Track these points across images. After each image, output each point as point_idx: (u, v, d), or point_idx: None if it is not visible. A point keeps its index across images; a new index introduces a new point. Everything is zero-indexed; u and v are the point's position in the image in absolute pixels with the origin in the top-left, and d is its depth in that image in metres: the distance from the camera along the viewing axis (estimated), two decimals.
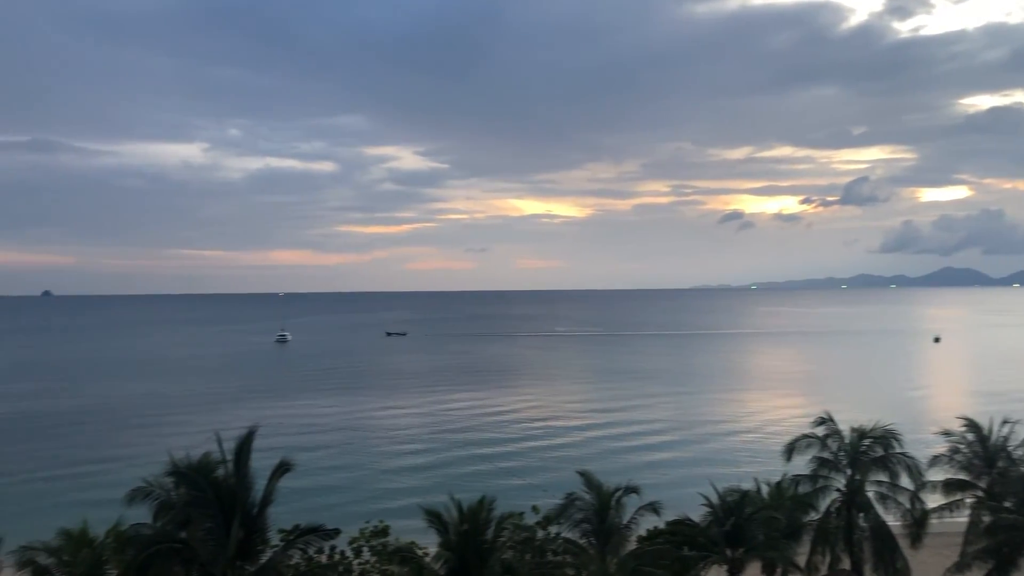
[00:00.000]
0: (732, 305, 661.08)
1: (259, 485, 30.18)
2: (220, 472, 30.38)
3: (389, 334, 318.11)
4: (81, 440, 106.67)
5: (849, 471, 45.00)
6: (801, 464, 46.65)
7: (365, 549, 42.98)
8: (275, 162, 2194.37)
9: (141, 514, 32.58)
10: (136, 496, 32.10)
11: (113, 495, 35.77)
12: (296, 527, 35.93)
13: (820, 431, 46.75)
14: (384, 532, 44.13)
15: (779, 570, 41.64)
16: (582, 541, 39.96)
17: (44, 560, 29.97)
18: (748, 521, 36.78)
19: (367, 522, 45.03)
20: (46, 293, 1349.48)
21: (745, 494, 38.98)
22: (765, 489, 44.56)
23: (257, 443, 30.91)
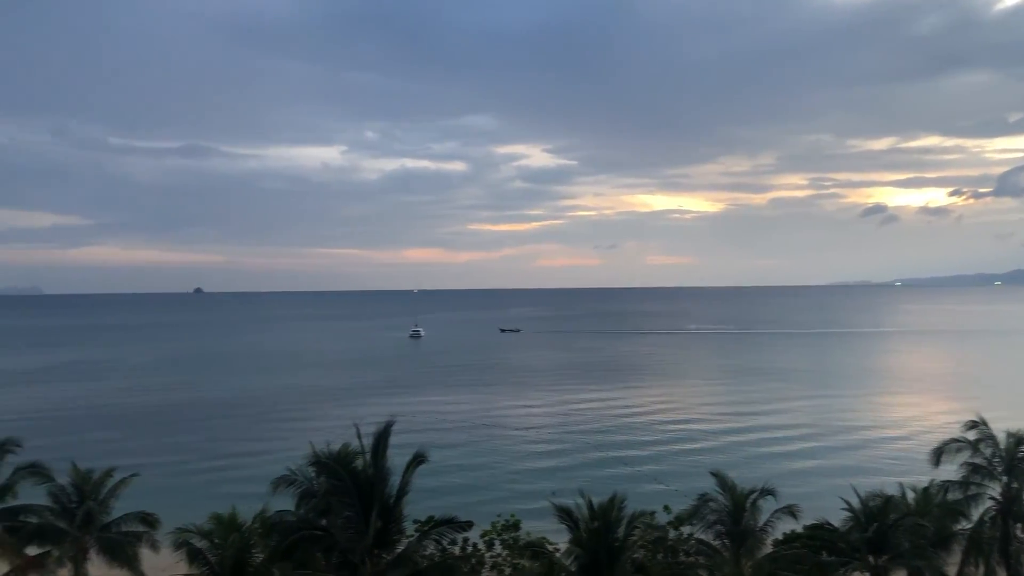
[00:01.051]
0: (874, 302, 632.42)
1: (395, 476, 31.03)
2: (358, 463, 31.41)
3: (503, 331, 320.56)
4: (229, 430, 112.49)
5: (1005, 478, 42.33)
6: (950, 470, 44.22)
7: (497, 542, 43.54)
8: (409, 163, 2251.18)
9: (285, 501, 34.09)
10: (280, 484, 33.60)
11: (259, 482, 37.57)
12: (431, 518, 36.74)
13: (972, 435, 44.17)
14: (515, 526, 44.55)
15: None
16: (715, 543, 39.22)
17: (197, 543, 31.77)
18: (893, 528, 35.12)
19: (499, 516, 45.60)
20: (197, 290, 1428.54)
21: (889, 499, 37.25)
22: (911, 495, 42.49)
23: (392, 436, 31.79)
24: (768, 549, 39.37)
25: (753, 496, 38.91)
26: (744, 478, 40.88)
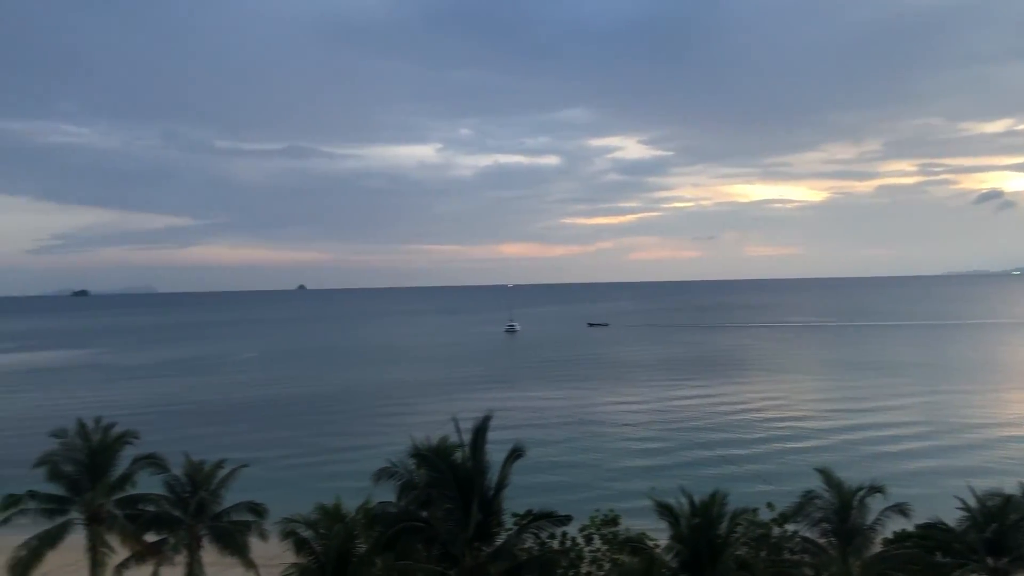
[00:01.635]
0: (990, 292, 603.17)
1: (493, 470, 31.25)
2: (457, 456, 31.77)
3: (591, 324, 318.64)
4: (332, 424, 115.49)
5: None
6: None
7: (596, 537, 43.34)
8: (503, 158, 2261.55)
9: (387, 493, 34.76)
10: (382, 476, 34.30)
11: (361, 475, 38.39)
12: (529, 512, 36.87)
13: None
14: (614, 521, 44.27)
15: None
16: (821, 541, 38.13)
17: (303, 532, 32.67)
18: (1014, 528, 33.40)
19: (597, 510, 45.37)
20: (301, 287, 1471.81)
21: (1009, 499, 35.41)
22: None
23: (490, 430, 32.00)
24: (877, 548, 38.00)
25: (861, 493, 37.64)
26: (851, 476, 39.58)
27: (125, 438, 41.23)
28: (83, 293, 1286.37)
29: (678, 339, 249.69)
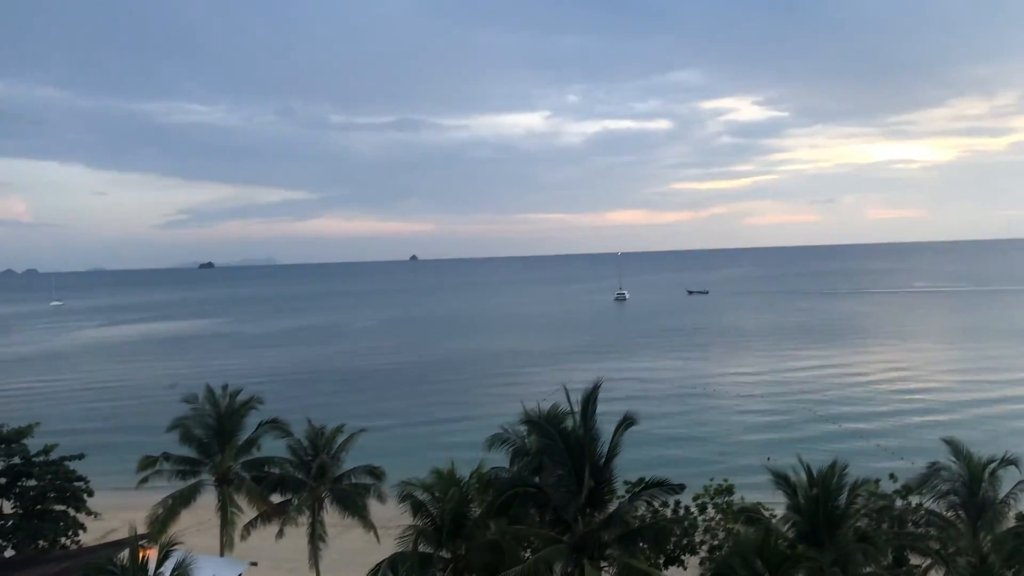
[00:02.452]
0: None
1: (604, 437, 31.22)
2: (568, 423, 31.85)
3: (691, 292, 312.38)
4: (445, 391, 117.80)
5: None
6: None
7: (709, 506, 42.86)
8: (612, 124, 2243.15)
9: (499, 459, 35.24)
10: (495, 442, 34.74)
11: (474, 442, 39.06)
12: (642, 480, 36.67)
13: None
14: (729, 490, 43.64)
15: None
16: (948, 515, 36.59)
17: (420, 496, 33.52)
18: None
19: (711, 479, 44.83)
20: (413, 258, 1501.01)
21: None
22: None
23: (600, 400, 31.93)
24: (1010, 524, 36.20)
25: (992, 466, 35.85)
26: (982, 450, 37.78)
27: (250, 404, 43.11)
28: (208, 265, 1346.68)
29: (798, 306, 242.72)
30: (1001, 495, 35.90)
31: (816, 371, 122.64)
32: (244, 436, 42.71)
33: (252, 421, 43.28)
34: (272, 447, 43.95)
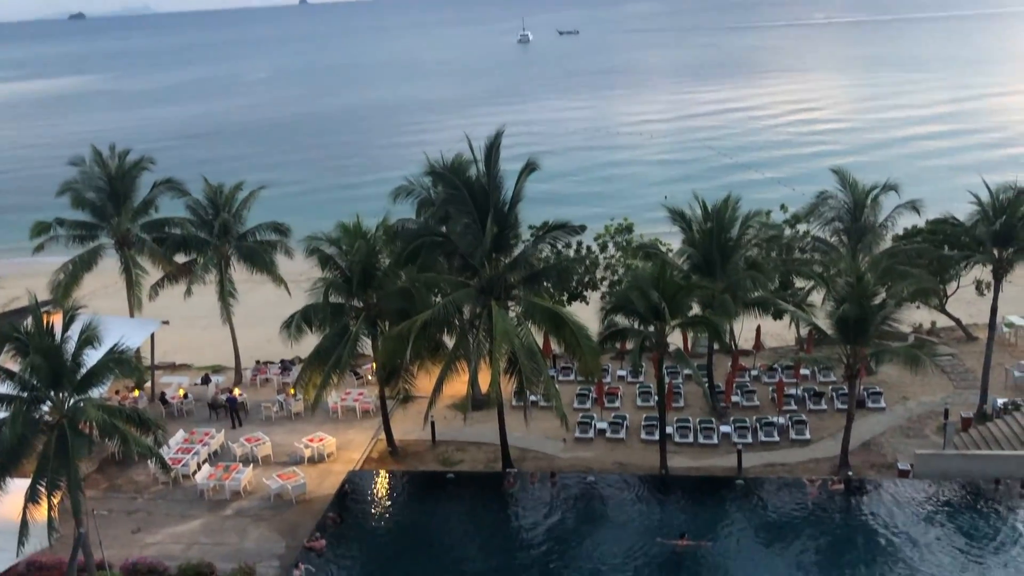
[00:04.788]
0: None
1: (508, 185, 31.36)
2: (472, 172, 31.76)
3: (561, 33, 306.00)
4: (346, 143, 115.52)
5: None
6: None
7: (610, 244, 44.37)
8: None
9: (405, 210, 35.33)
10: (400, 193, 34.62)
11: (379, 194, 38.85)
12: (545, 223, 37.50)
13: None
14: (629, 229, 45.06)
15: None
16: (832, 240, 38.84)
17: (327, 249, 33.61)
18: (1022, 220, 33.69)
19: (612, 219, 46.12)
20: (302, 1, 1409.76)
21: (1021, 192, 35.35)
22: None
23: (505, 146, 31.66)
24: (887, 245, 38.74)
25: (875, 192, 37.73)
26: (868, 177, 39.54)
27: (142, 164, 41.35)
28: (79, 16, 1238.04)
29: (700, 41, 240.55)
30: (881, 219, 38.16)
31: (717, 107, 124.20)
32: (140, 198, 41.35)
33: (146, 182, 41.74)
34: (171, 207, 42.84)
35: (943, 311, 43.99)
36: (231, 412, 37.52)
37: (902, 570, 24.45)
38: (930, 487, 28.93)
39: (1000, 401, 34.49)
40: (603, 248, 44.32)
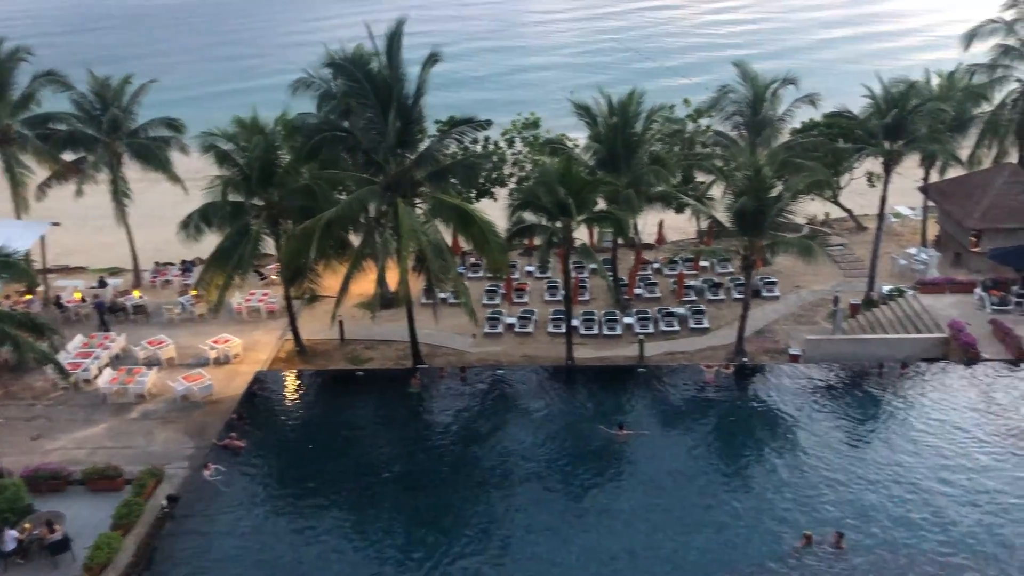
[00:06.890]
0: None
1: (411, 77, 30.58)
2: (374, 65, 30.79)
3: None
4: (238, 30, 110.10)
5: None
6: (980, 53, 42.96)
7: (517, 140, 44.17)
8: None
9: (305, 104, 34.20)
10: (299, 87, 33.41)
11: (276, 87, 37.41)
12: (451, 118, 37.00)
13: (1009, 15, 42.35)
14: (536, 124, 44.88)
15: (938, 163, 40.42)
16: (733, 133, 39.60)
17: (224, 145, 32.31)
18: (912, 113, 34.88)
19: (519, 114, 45.76)
20: None
21: (912, 85, 36.50)
22: (935, 81, 41.72)
23: (407, 35, 30.72)
24: (785, 138, 39.73)
25: (774, 86, 38.44)
26: (769, 70, 40.07)
27: (17, 55, 38.61)
28: None
29: None
30: (780, 112, 39.00)
31: (625, 4, 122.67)
32: (18, 92, 38.74)
33: (23, 75, 39.07)
34: (54, 102, 40.26)
35: (836, 202, 45.82)
36: (100, 316, 36.41)
37: (790, 447, 25.98)
38: (818, 370, 30.58)
39: (886, 288, 36.45)
40: (510, 144, 44.11)
